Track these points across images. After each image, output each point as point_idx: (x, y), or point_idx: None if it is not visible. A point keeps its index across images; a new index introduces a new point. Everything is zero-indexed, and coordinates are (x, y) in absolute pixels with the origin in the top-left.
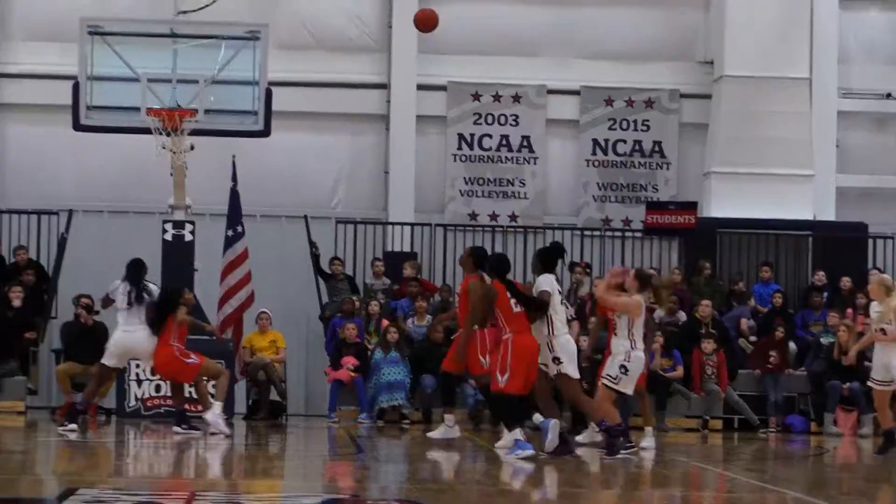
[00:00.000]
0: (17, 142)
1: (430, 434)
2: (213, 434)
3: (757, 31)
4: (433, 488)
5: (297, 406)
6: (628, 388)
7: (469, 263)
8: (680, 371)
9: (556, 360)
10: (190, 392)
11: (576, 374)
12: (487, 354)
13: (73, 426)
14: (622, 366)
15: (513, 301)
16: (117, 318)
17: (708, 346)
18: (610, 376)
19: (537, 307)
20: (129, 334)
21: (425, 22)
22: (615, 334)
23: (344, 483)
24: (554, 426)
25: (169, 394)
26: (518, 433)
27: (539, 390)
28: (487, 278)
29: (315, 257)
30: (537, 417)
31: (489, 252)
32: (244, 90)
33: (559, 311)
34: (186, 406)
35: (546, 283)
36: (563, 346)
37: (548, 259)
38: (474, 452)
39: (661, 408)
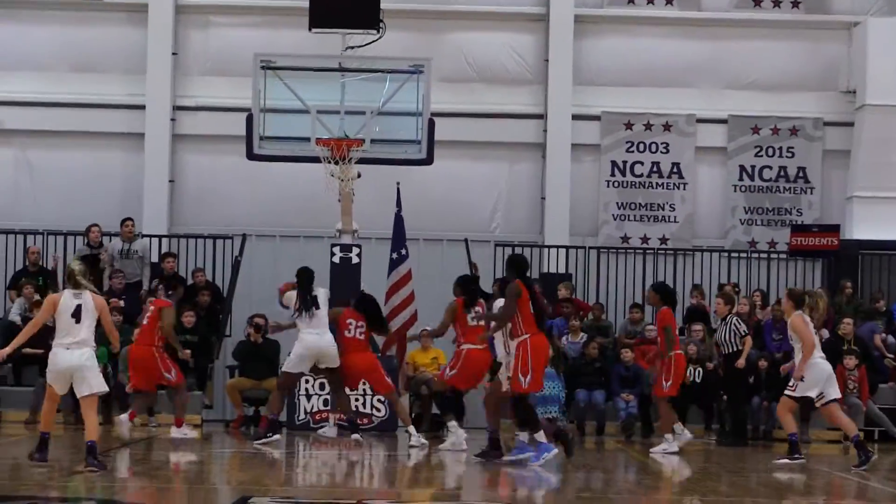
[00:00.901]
0: (193, 170)
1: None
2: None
3: None
4: (587, 497)
5: None
6: (806, 391)
7: (456, 290)
8: None
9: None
10: (357, 406)
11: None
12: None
13: (277, 436)
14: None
15: (531, 303)
16: (299, 325)
17: (850, 361)
18: (789, 386)
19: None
20: (319, 337)
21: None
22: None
23: (500, 491)
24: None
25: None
26: (541, 435)
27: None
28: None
29: (475, 278)
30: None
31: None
32: (408, 121)
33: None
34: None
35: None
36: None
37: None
38: (626, 463)
39: (804, 419)
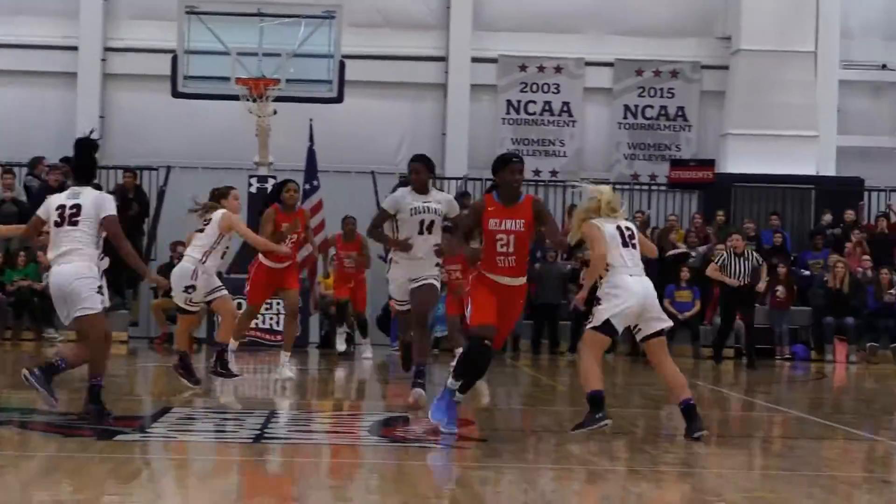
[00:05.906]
0: (122, 107)
1: None
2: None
3: (769, 11)
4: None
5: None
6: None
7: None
8: (697, 306)
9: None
10: (271, 324)
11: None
12: None
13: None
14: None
15: None
16: None
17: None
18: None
19: None
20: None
21: None
22: None
23: (400, 403)
24: None
25: (257, 325)
26: None
27: None
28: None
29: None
30: None
31: None
32: (321, 62)
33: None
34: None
35: None
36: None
37: None
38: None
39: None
